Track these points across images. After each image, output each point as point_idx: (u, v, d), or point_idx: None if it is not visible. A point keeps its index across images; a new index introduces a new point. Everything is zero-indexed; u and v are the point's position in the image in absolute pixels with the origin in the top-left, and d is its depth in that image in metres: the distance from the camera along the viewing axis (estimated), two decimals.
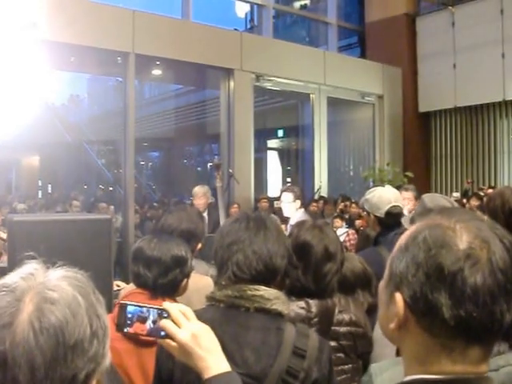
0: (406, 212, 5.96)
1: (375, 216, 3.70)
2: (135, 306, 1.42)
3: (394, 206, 3.66)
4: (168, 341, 1.41)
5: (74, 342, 0.87)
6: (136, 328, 1.41)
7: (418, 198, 6.49)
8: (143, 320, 1.40)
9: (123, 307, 1.41)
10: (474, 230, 1.00)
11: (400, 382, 1.05)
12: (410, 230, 1.07)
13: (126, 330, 1.42)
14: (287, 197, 5.95)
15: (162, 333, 1.41)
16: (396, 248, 1.07)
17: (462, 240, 0.98)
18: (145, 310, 1.41)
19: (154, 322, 1.41)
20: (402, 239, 1.06)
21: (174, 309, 1.42)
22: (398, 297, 1.02)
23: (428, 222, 1.05)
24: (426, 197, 3.06)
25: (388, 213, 3.64)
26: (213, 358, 1.41)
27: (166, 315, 1.41)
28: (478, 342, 0.99)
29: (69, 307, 0.88)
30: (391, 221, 3.63)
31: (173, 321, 1.41)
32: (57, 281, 0.93)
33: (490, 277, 0.95)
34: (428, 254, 0.99)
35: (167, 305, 1.43)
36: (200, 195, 7.03)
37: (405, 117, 13.84)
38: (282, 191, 6.15)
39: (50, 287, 0.91)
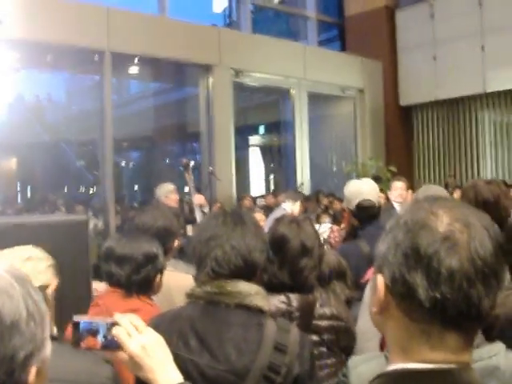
0: (397, 203, 6.02)
1: (349, 209, 3.72)
2: (86, 321, 1.42)
3: (365, 199, 3.63)
4: (121, 353, 1.42)
5: (10, 322, 0.91)
6: (88, 343, 1.42)
7: (409, 188, 6.63)
8: (94, 334, 1.41)
9: (75, 324, 1.42)
10: (457, 214, 1.00)
11: (382, 371, 1.05)
12: (396, 215, 1.08)
13: (80, 346, 1.43)
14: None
15: (116, 345, 1.41)
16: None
17: (443, 223, 0.99)
18: (94, 324, 1.41)
19: (105, 337, 1.40)
20: (388, 224, 1.07)
21: (125, 321, 1.42)
22: (379, 279, 1.03)
23: (412, 206, 1.06)
24: (421, 188, 3.03)
25: (358, 206, 3.65)
26: (162, 370, 1.42)
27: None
28: (456, 328, 0.98)
29: (6, 292, 0.93)
30: (362, 214, 3.65)
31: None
32: None
33: (468, 261, 0.95)
34: (407, 235, 1.00)
35: (118, 317, 1.43)
36: (175, 191, 6.99)
37: (386, 110, 13.85)
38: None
39: None
